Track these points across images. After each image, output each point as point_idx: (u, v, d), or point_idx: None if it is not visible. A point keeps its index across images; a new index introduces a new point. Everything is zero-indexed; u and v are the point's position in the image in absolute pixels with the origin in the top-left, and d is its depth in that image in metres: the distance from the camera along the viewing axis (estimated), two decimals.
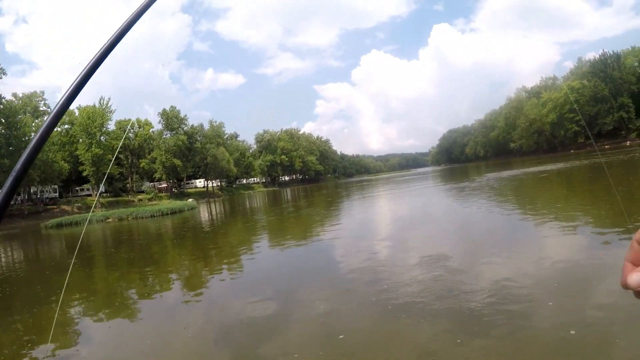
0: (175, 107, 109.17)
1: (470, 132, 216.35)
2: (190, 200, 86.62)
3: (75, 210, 77.54)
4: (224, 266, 17.19)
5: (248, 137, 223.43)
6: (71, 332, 11.17)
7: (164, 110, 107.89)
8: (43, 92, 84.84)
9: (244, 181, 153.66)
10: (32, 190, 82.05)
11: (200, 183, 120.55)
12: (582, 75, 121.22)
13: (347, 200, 51.87)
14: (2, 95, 74.26)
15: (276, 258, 17.75)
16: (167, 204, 75.47)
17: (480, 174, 67.19)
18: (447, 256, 13.15)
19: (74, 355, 9.09)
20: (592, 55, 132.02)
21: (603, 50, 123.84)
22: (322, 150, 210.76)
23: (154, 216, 57.03)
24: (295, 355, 7.50)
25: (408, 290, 10.21)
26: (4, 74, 74.03)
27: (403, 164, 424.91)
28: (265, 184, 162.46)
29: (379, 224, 25.36)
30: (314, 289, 11.94)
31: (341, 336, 8.11)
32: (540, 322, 7.49)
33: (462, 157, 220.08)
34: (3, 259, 31.38)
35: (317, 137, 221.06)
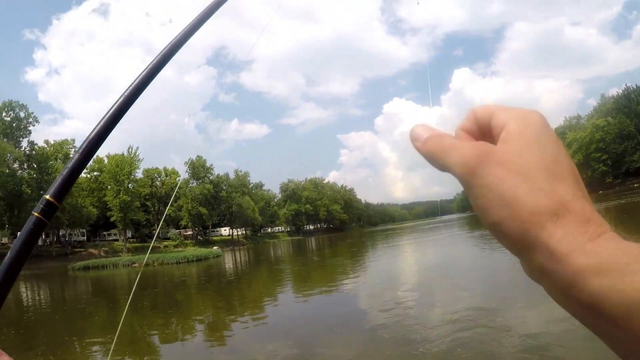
0: (202, 157, 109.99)
1: None
2: (215, 248, 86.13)
3: (102, 254, 78.27)
4: (247, 315, 17.00)
5: (273, 186, 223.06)
6: None
7: (191, 159, 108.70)
8: (74, 140, 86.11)
9: (269, 230, 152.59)
10: (60, 233, 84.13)
11: (225, 231, 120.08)
12: (607, 112, 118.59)
13: (372, 249, 50.74)
14: (35, 142, 77.93)
15: (300, 308, 17.66)
16: (192, 251, 75.75)
17: None
18: (476, 308, 12.74)
19: None
20: (615, 91, 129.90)
21: (626, 84, 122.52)
22: (346, 199, 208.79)
23: (180, 262, 56.92)
24: None
25: (434, 348, 9.69)
26: (36, 122, 79.35)
27: (428, 212, 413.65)
28: (289, 233, 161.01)
29: (404, 275, 24.89)
30: (338, 343, 11.42)
31: None
32: None
33: None
34: (30, 299, 31.89)
35: (342, 186, 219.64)
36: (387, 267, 30.46)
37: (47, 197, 0.79)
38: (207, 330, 15.55)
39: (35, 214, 0.74)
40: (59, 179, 0.77)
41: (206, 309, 20.29)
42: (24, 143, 76.97)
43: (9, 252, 0.66)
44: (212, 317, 17.97)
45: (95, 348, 14.14)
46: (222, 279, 35.50)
